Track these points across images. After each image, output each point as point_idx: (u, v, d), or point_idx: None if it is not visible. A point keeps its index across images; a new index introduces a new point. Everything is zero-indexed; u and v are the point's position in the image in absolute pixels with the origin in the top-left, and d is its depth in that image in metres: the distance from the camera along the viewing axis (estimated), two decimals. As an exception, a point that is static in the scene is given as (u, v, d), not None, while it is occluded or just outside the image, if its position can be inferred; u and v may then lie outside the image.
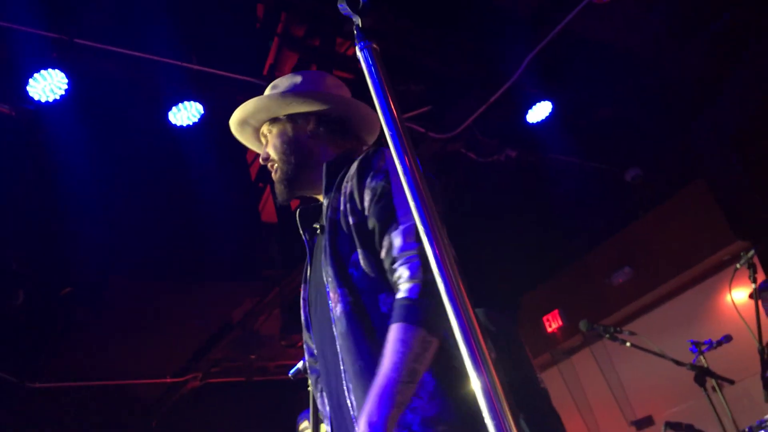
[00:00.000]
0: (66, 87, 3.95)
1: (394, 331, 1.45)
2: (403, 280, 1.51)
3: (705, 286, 6.80)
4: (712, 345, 4.04)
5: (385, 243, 1.58)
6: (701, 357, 3.83)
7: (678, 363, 3.50)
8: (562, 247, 7.12)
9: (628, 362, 7.19)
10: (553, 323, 7.70)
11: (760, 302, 3.55)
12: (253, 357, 7.03)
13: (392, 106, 1.33)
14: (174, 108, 4.33)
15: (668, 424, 3.46)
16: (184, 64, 4.23)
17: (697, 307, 6.78)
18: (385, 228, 1.59)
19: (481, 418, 1.26)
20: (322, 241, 1.72)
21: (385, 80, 1.38)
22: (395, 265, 1.54)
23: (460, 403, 1.48)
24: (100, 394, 6.26)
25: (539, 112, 5.44)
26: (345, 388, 1.59)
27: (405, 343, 1.42)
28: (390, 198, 1.61)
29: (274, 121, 1.93)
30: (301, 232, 1.91)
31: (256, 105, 1.92)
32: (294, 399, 5.51)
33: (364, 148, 1.98)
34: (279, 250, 6.02)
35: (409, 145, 1.32)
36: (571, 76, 5.40)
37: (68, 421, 6.15)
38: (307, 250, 1.88)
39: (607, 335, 3.56)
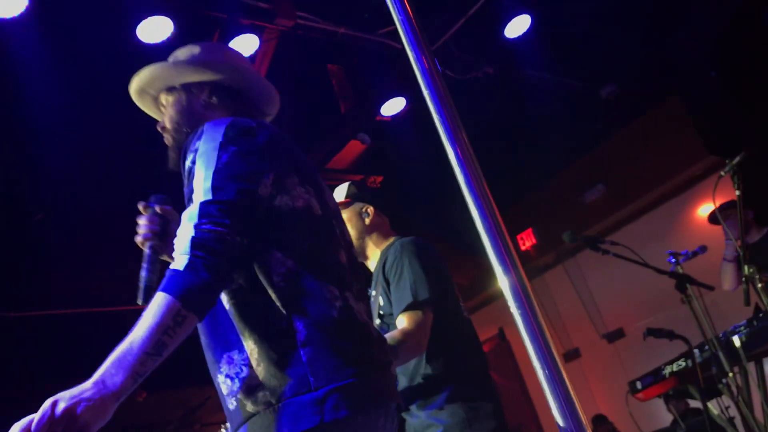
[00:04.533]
0: (26, 2, 3.74)
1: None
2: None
3: (677, 202, 6.93)
4: (688, 255, 4.14)
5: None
6: (678, 267, 3.92)
7: (659, 271, 3.56)
8: (536, 166, 7.14)
9: (600, 278, 7.37)
10: (527, 241, 7.82)
11: (737, 213, 3.60)
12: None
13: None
14: (142, 22, 4.14)
15: (650, 330, 3.55)
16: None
17: (670, 222, 6.93)
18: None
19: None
20: None
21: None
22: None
23: (282, 370, 1.48)
24: (81, 322, 6.19)
25: (517, 26, 5.39)
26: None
27: (156, 314, 1.40)
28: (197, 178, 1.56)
29: (170, 90, 1.91)
30: None
31: (152, 73, 1.89)
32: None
33: (268, 119, 2.00)
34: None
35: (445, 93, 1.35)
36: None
37: (51, 350, 6.09)
38: None
39: (590, 246, 3.60)
